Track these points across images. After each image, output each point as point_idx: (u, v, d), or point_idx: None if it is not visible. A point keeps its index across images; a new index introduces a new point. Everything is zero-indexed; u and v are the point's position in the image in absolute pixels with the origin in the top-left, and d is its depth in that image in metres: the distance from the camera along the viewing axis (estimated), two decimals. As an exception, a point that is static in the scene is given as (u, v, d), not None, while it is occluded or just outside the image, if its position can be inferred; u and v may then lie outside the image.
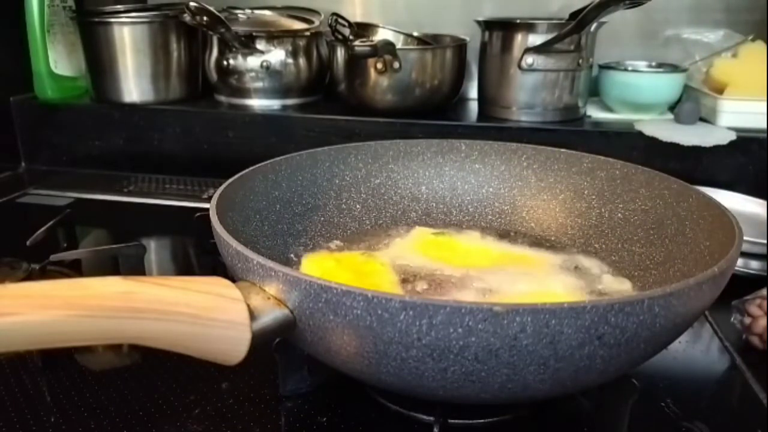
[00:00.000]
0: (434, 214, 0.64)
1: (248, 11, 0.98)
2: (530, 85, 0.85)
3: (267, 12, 1.00)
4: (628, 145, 0.83)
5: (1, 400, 0.45)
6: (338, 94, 0.94)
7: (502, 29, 0.87)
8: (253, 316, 0.34)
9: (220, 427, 0.42)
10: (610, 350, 0.33)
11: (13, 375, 0.48)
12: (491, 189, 0.64)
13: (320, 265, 0.52)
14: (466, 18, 0.94)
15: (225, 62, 0.94)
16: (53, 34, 0.96)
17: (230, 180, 0.51)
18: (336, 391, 0.46)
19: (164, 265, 0.73)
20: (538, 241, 0.60)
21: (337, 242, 0.59)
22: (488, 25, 0.89)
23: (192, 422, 0.43)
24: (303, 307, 0.35)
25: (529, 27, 0.84)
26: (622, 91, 0.89)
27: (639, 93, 0.88)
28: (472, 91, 1.00)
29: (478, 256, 0.56)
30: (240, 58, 0.93)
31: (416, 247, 0.57)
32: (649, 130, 0.82)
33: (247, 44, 0.92)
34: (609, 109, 0.92)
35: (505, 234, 0.61)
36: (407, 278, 0.52)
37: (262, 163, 0.56)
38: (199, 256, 0.72)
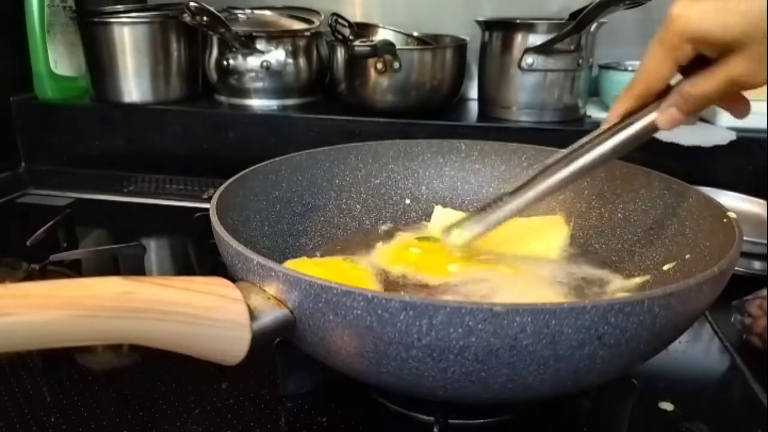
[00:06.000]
0: (434, 214, 0.64)
1: (248, 11, 0.98)
2: (530, 85, 0.85)
3: (267, 12, 1.00)
4: (628, 145, 0.83)
5: (1, 400, 0.45)
6: (338, 94, 0.94)
7: (502, 29, 0.87)
8: (253, 316, 0.35)
9: (220, 427, 0.42)
10: (610, 350, 0.33)
11: (13, 375, 0.48)
12: (491, 189, 0.64)
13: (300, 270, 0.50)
14: (466, 18, 0.94)
15: (225, 62, 0.94)
16: (53, 34, 0.96)
17: (230, 180, 0.51)
18: (336, 391, 0.46)
19: (164, 265, 0.73)
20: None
21: (337, 242, 0.59)
22: (488, 25, 0.89)
23: (192, 422, 0.43)
24: (303, 307, 0.35)
25: (529, 27, 0.84)
26: (622, 91, 0.89)
27: (639, 93, 0.88)
28: (472, 91, 1.00)
29: (463, 263, 0.53)
30: (240, 58, 0.93)
31: (399, 254, 0.56)
32: (649, 130, 0.82)
33: (247, 44, 0.92)
34: (609, 109, 0.92)
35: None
36: (390, 285, 0.50)
37: (262, 163, 0.56)
38: (199, 256, 0.72)
